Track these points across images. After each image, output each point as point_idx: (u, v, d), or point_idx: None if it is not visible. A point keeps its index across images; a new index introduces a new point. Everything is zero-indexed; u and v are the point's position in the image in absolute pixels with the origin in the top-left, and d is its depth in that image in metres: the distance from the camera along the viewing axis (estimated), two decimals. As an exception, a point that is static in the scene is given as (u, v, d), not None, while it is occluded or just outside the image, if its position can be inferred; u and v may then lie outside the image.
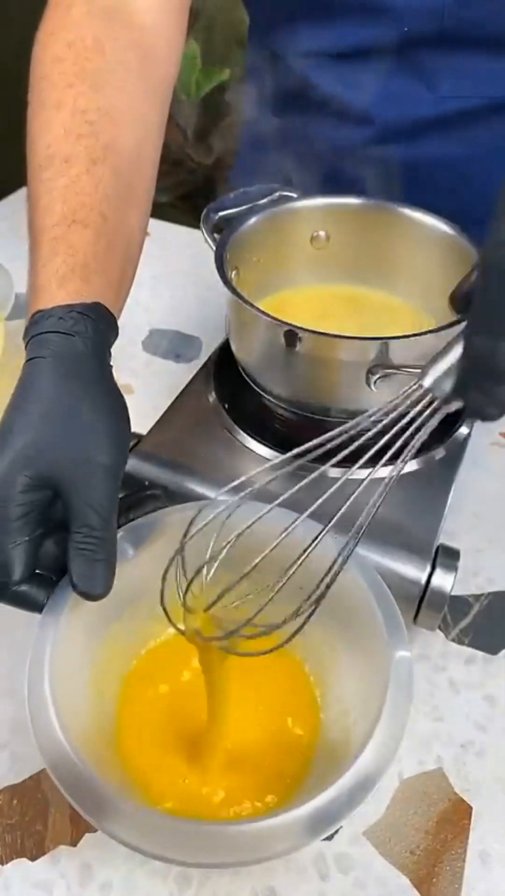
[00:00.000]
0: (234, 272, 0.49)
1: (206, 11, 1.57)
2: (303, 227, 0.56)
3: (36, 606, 0.36)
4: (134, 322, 0.71)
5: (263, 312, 0.45)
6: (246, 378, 0.52)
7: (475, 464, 0.57)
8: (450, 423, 0.52)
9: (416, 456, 0.49)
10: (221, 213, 0.50)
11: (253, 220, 0.52)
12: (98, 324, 0.39)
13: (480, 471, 0.57)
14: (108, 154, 0.43)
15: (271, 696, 0.40)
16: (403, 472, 0.48)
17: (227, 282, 0.46)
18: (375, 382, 0.44)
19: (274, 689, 0.40)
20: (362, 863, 0.37)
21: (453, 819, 0.38)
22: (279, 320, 0.44)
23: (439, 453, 0.49)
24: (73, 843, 0.37)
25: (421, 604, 0.42)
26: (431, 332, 0.44)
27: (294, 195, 0.54)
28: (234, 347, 0.52)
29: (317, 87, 0.64)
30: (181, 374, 0.65)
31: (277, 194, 0.53)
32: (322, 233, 0.56)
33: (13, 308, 0.59)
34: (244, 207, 0.50)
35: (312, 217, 0.56)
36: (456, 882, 0.36)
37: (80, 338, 0.38)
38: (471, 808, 0.39)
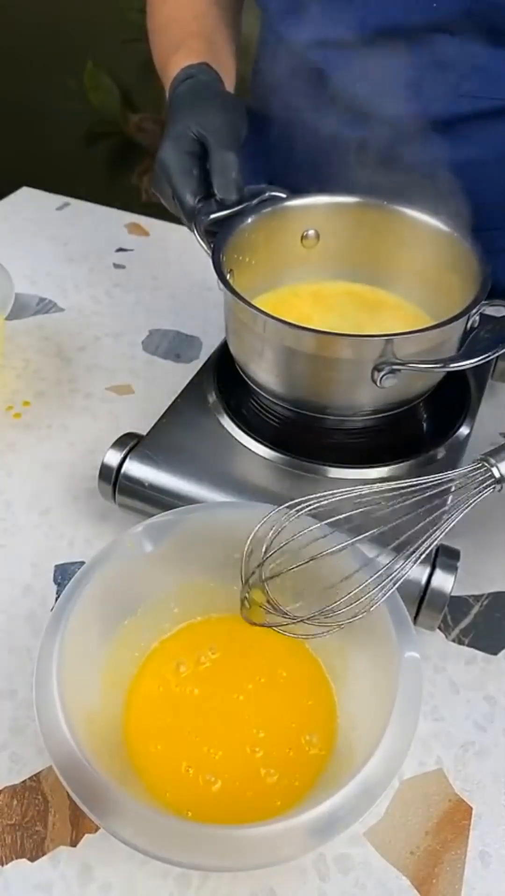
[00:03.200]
0: (229, 273, 0.49)
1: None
2: (298, 226, 0.56)
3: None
4: (134, 322, 0.71)
5: (268, 314, 0.45)
6: (245, 377, 0.51)
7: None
8: (450, 423, 0.52)
9: (416, 456, 0.49)
10: (213, 216, 0.50)
11: (248, 220, 0.52)
12: (211, 70, 0.59)
13: (481, 471, 0.57)
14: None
15: (290, 697, 0.40)
16: (403, 472, 0.48)
17: (226, 282, 0.46)
18: (382, 379, 0.44)
19: (293, 691, 0.40)
20: (362, 863, 0.37)
21: (453, 819, 0.38)
22: (286, 322, 0.44)
23: (439, 453, 0.49)
24: (73, 844, 0.37)
25: (421, 604, 0.42)
26: (436, 326, 0.44)
27: (283, 195, 0.54)
28: (232, 349, 0.52)
29: (330, 79, 0.63)
30: (181, 374, 0.65)
31: (268, 194, 0.53)
32: (312, 231, 0.56)
33: (13, 308, 0.59)
34: (235, 210, 0.50)
35: (308, 216, 0.56)
36: (456, 883, 0.36)
37: (203, 72, 0.59)
38: (471, 808, 0.39)
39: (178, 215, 0.55)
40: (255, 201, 0.52)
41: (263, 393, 0.50)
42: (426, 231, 0.53)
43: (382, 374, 0.44)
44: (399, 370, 0.43)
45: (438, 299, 0.53)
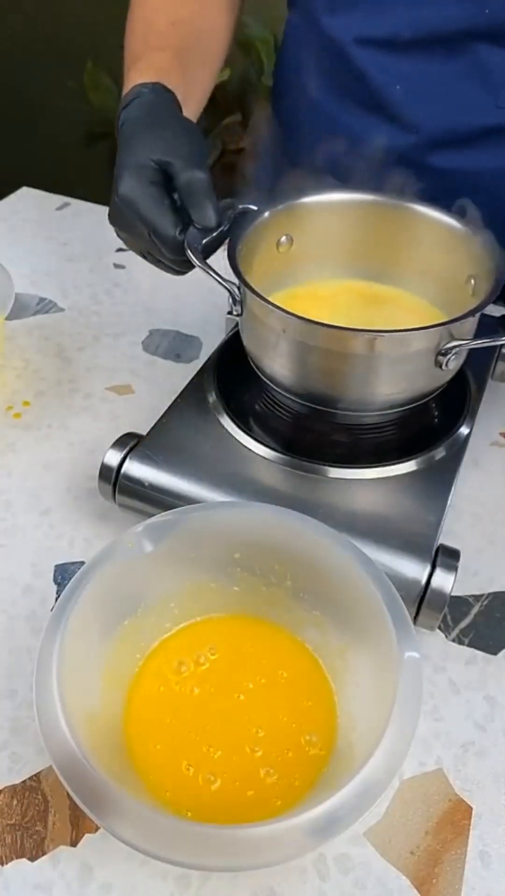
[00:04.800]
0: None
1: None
2: (311, 224, 0.55)
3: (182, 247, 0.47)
4: (134, 322, 0.71)
5: (292, 314, 0.45)
6: (258, 373, 0.51)
7: (475, 464, 0.57)
8: (450, 423, 0.52)
9: (416, 456, 0.49)
10: (205, 241, 0.47)
11: (264, 216, 0.52)
12: (166, 91, 0.53)
13: (480, 471, 0.57)
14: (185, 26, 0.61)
15: (290, 697, 0.40)
16: (403, 472, 0.48)
17: (245, 282, 0.46)
18: (447, 363, 0.45)
19: (293, 691, 0.40)
20: (362, 863, 0.37)
21: (453, 819, 0.38)
22: (331, 325, 0.44)
23: (439, 453, 0.49)
24: (73, 844, 0.37)
25: (421, 604, 0.42)
26: (484, 304, 0.45)
27: (254, 208, 0.52)
28: (247, 343, 0.51)
29: (368, 79, 0.62)
30: (181, 374, 0.65)
31: (240, 207, 0.51)
32: (284, 238, 0.55)
33: (13, 308, 0.59)
34: (220, 230, 0.48)
35: (322, 213, 0.55)
36: (456, 883, 0.36)
37: (156, 92, 0.53)
38: (471, 808, 0.39)
39: (147, 252, 0.51)
40: (227, 221, 0.49)
41: (276, 388, 0.50)
42: (441, 230, 0.53)
43: (447, 357, 0.45)
44: (459, 349, 0.45)
45: (451, 297, 0.54)
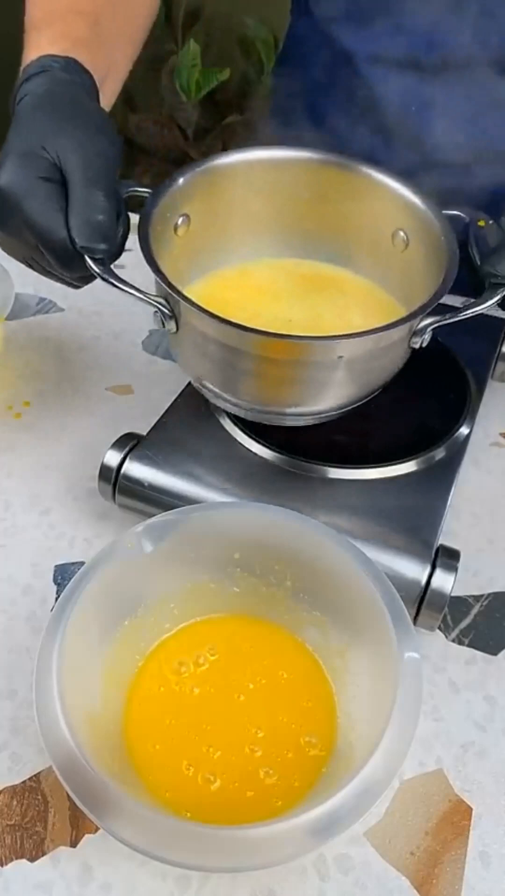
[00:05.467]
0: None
1: (206, 12, 1.57)
2: (241, 189, 0.48)
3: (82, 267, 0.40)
4: (134, 322, 0.71)
5: (224, 320, 0.39)
6: (212, 400, 0.47)
7: (475, 464, 0.57)
8: (450, 423, 0.52)
9: (416, 456, 0.49)
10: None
11: (180, 181, 0.45)
12: (82, 72, 0.45)
13: (480, 471, 0.57)
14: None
15: (290, 698, 0.40)
16: (403, 472, 0.48)
17: (178, 292, 0.40)
18: (422, 343, 0.42)
19: (293, 691, 0.40)
20: (362, 864, 0.37)
21: (453, 820, 0.38)
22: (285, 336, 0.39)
23: (439, 453, 0.49)
24: (73, 844, 0.37)
25: (421, 604, 0.42)
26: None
27: (146, 192, 0.44)
28: (186, 366, 0.47)
29: (378, 98, 0.60)
30: (181, 374, 0.65)
31: (126, 191, 0.44)
32: (181, 219, 0.46)
33: (13, 308, 0.59)
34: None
35: (252, 177, 0.48)
36: (456, 883, 0.36)
37: (68, 70, 0.44)
38: (471, 808, 0.39)
39: (31, 259, 0.42)
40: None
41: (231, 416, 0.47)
42: (394, 200, 0.47)
43: (422, 337, 0.42)
44: (431, 330, 0.42)
45: (401, 281, 0.49)
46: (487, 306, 0.42)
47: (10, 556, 0.49)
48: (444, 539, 0.46)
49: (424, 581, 0.42)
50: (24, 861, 0.36)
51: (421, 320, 0.41)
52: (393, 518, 0.45)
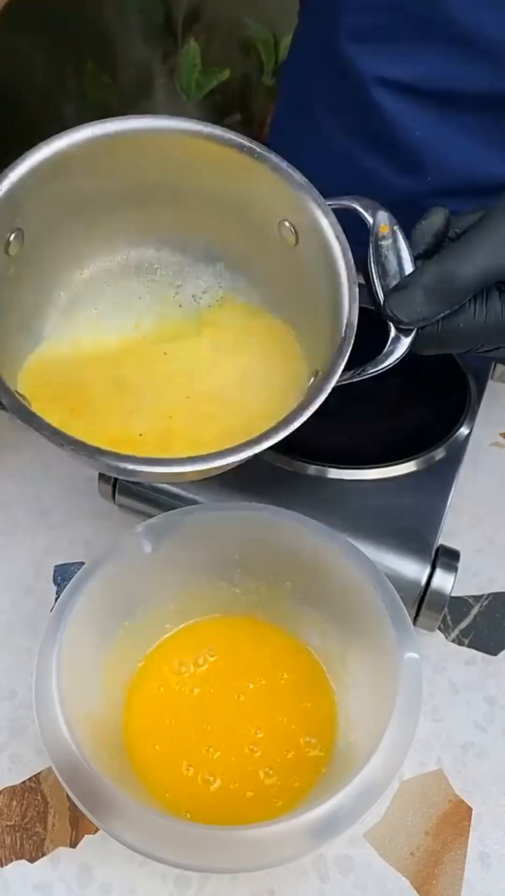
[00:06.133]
0: None
1: (206, 12, 1.57)
2: (89, 181, 0.37)
3: None
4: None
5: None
6: None
7: (475, 464, 0.57)
8: (450, 423, 0.52)
9: (416, 456, 0.49)
10: None
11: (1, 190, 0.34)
12: None
13: (480, 471, 0.57)
14: None
15: (290, 698, 0.40)
16: (403, 472, 0.48)
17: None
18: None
19: (293, 692, 0.40)
20: (362, 864, 0.37)
21: (453, 820, 0.38)
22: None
23: (439, 453, 0.49)
24: (73, 845, 0.37)
25: (421, 605, 0.42)
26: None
27: None
28: None
29: (384, 119, 0.58)
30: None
31: None
32: (12, 235, 0.35)
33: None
34: None
35: (100, 161, 0.36)
36: (456, 883, 0.36)
37: None
38: (471, 809, 0.39)
39: None
40: None
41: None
42: (269, 179, 0.37)
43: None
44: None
45: (281, 279, 0.40)
46: (395, 361, 0.36)
47: (10, 556, 0.49)
48: (444, 539, 0.46)
49: (423, 581, 0.42)
50: (23, 862, 0.36)
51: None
52: (393, 518, 0.45)
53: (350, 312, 0.35)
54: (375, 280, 0.36)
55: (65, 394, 0.38)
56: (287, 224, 0.38)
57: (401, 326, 0.36)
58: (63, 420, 0.36)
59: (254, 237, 0.40)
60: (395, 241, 0.36)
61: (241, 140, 0.37)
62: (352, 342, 0.34)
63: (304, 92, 0.66)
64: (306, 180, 0.36)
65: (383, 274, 0.36)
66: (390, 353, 0.36)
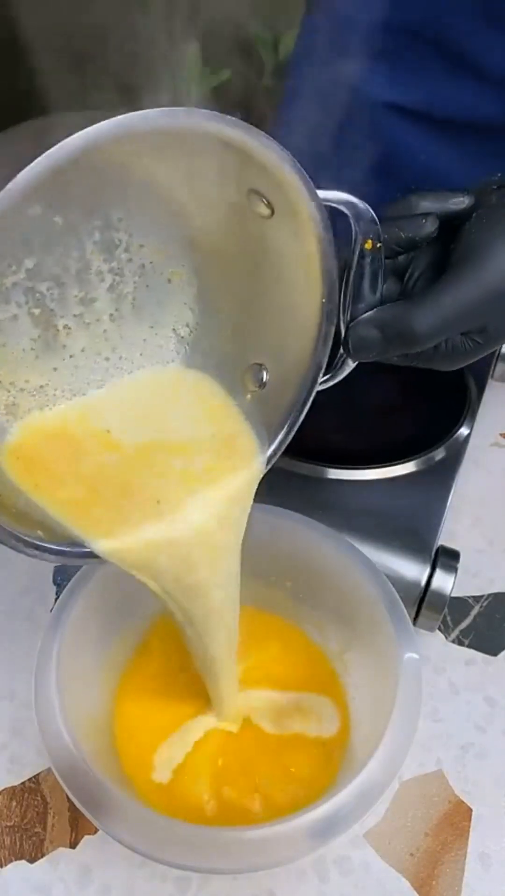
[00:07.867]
0: None
1: (206, 12, 1.57)
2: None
3: None
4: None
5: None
6: None
7: (475, 464, 0.57)
8: (450, 423, 0.52)
9: (416, 456, 0.49)
10: None
11: None
12: None
13: (480, 471, 0.57)
14: None
15: (291, 698, 0.40)
16: (402, 472, 0.48)
17: None
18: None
19: (291, 691, 0.40)
20: (362, 865, 0.37)
21: (453, 821, 0.38)
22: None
23: (439, 454, 0.49)
24: (73, 846, 0.37)
25: (421, 605, 0.42)
26: None
27: None
28: None
29: (387, 144, 0.58)
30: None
31: None
32: None
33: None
34: None
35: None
36: (456, 884, 0.36)
37: None
38: (471, 809, 0.39)
39: None
40: None
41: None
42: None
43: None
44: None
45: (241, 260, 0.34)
46: (337, 380, 0.36)
47: (10, 556, 0.49)
48: (444, 539, 0.46)
49: (423, 582, 0.42)
50: (23, 862, 0.36)
51: None
52: (393, 518, 0.45)
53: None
54: (345, 300, 0.34)
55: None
56: (258, 198, 0.31)
57: (346, 356, 0.35)
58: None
59: (221, 215, 0.33)
60: (373, 261, 0.34)
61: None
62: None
63: (306, 108, 0.66)
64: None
65: (355, 296, 0.34)
66: (336, 375, 0.36)
